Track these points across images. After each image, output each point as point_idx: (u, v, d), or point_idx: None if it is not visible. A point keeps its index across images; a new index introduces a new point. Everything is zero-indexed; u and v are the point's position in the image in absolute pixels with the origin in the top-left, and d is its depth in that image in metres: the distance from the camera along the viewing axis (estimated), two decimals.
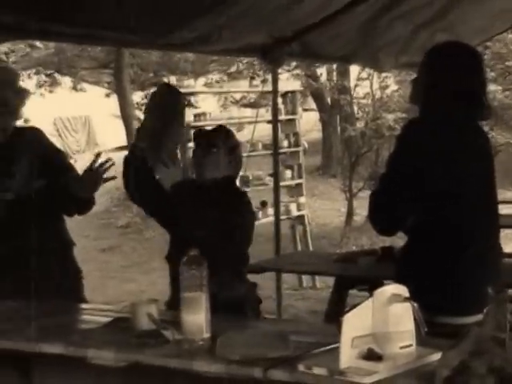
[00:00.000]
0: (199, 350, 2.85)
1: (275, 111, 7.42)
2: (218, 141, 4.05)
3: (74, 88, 22.85)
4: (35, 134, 4.49)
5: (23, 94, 4.42)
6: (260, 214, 9.18)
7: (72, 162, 4.57)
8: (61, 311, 3.59)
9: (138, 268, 11.69)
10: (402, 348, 2.62)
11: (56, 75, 21.61)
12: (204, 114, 8.86)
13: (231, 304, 3.76)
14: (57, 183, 4.27)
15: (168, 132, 4.05)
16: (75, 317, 3.54)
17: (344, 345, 2.51)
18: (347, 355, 2.51)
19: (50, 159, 4.38)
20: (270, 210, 9.02)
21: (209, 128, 4.28)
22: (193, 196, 4.08)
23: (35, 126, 4.73)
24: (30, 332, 3.22)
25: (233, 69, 19.06)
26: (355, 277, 5.82)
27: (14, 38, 11.80)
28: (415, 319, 2.64)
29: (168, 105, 4.06)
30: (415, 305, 2.63)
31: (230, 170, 4.08)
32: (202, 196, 4.04)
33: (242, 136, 13.97)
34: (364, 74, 14.68)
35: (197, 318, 2.88)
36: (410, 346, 2.64)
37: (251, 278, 7.56)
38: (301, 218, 9.73)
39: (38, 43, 19.25)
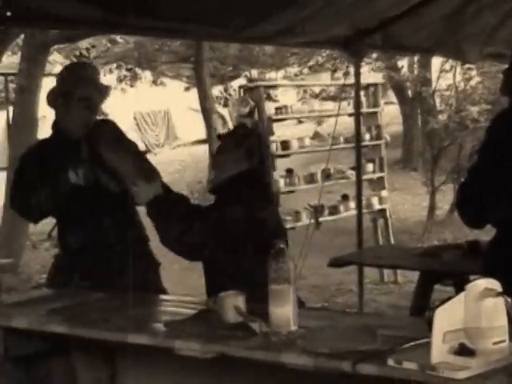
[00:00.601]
0: (286, 342, 2.84)
1: (358, 104, 7.37)
2: (224, 141, 4.06)
3: (154, 82, 23.08)
4: (109, 126, 4.45)
5: (104, 90, 4.47)
6: (341, 207, 9.12)
7: (151, 155, 4.51)
8: (148, 302, 3.63)
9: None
10: (494, 344, 2.56)
11: (136, 70, 21.86)
12: (285, 107, 8.83)
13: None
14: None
15: None
16: (161, 308, 3.56)
17: (435, 339, 2.47)
18: (439, 350, 2.46)
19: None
20: (352, 204, 8.97)
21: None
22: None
23: (109, 118, 4.73)
24: (118, 322, 3.26)
25: (312, 62, 19.00)
26: (440, 271, 5.75)
27: (97, 33, 12.01)
28: (508, 314, 2.58)
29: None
30: (509, 300, 2.57)
31: (246, 165, 3.97)
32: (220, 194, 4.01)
33: (322, 129, 13.95)
34: (447, 66, 14.47)
35: (284, 310, 2.87)
36: (503, 341, 2.58)
37: (334, 271, 7.56)
38: (382, 212, 9.63)
39: (118, 38, 19.48)
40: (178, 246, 3.86)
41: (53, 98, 4.36)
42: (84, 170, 4.23)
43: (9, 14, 4.59)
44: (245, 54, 18.75)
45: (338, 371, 2.63)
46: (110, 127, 4.38)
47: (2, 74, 13.48)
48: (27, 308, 3.61)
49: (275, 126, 8.52)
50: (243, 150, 3.96)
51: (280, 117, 8.70)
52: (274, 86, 10.22)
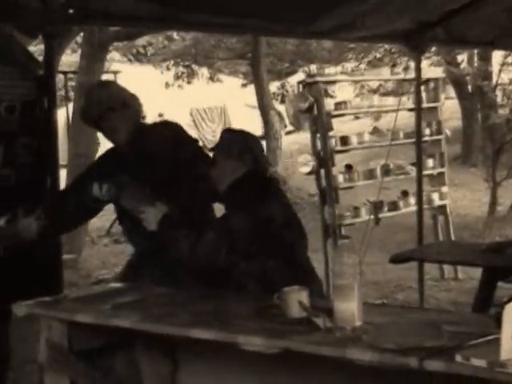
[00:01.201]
0: (351, 337, 2.83)
1: (418, 99, 7.28)
2: (214, 155, 4.09)
3: (211, 79, 23.15)
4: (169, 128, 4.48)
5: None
6: (401, 203, 9.05)
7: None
8: (212, 298, 3.63)
9: None
10: None
11: (193, 66, 21.96)
12: (345, 102, 8.78)
13: None
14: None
15: None
16: (225, 303, 3.55)
17: (505, 336, 2.42)
18: (508, 347, 2.42)
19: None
20: (411, 200, 8.89)
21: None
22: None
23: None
24: (182, 317, 3.27)
25: (370, 57, 18.88)
26: (503, 268, 5.66)
27: (156, 30, 12.11)
28: None
29: None
30: None
31: (242, 167, 4.02)
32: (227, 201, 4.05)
33: (380, 125, 13.84)
34: (509, 59, 14.26)
35: (349, 305, 2.85)
36: None
37: (393, 267, 7.50)
38: (442, 208, 9.53)
39: (175, 35, 19.61)
40: (192, 258, 3.91)
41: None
42: (108, 185, 4.21)
43: (71, 11, 4.64)
44: (302, 49, 18.72)
45: (405, 367, 2.60)
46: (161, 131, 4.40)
47: (62, 73, 13.60)
48: (92, 303, 3.64)
49: (333, 121, 8.47)
50: (235, 158, 4.01)
51: (339, 112, 8.65)
52: (333, 82, 10.16)
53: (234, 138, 4.12)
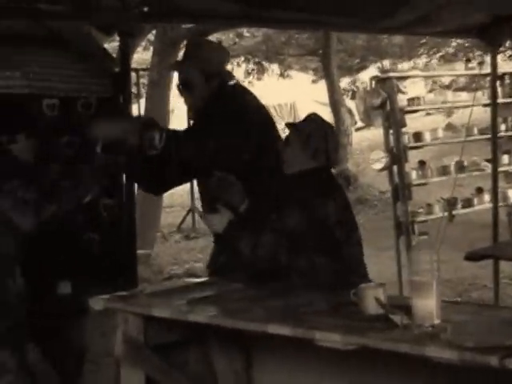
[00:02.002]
0: (429, 335, 2.79)
1: (494, 94, 7.15)
2: (291, 136, 4.04)
3: (282, 75, 23.15)
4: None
5: (208, 60, 4.34)
6: (475, 200, 8.91)
7: None
8: (286, 293, 3.63)
9: None
10: None
11: (264, 63, 21.97)
12: (418, 98, 8.68)
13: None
14: None
15: None
16: (301, 299, 3.54)
17: None
18: None
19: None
20: (486, 197, 8.74)
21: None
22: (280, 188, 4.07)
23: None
24: (258, 313, 3.28)
25: (442, 52, 18.65)
26: None
27: (229, 27, 12.13)
28: None
29: None
30: None
31: (313, 163, 4.01)
32: (285, 189, 4.02)
33: (453, 121, 13.67)
34: None
35: (427, 303, 2.82)
36: None
37: (467, 265, 7.40)
38: None
39: (245, 32, 19.63)
40: (252, 259, 3.93)
41: None
42: None
43: (146, 9, 4.68)
44: (373, 44, 18.56)
45: (484, 366, 2.57)
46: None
47: (134, 70, 13.76)
48: (168, 298, 3.68)
49: (405, 117, 8.38)
50: (309, 153, 4.00)
51: (412, 108, 8.56)
52: (405, 77, 10.05)
53: (315, 131, 4.06)
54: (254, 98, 4.47)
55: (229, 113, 4.18)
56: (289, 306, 3.37)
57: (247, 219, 4.05)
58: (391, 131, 8.05)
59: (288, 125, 4.17)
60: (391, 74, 8.32)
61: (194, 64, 4.29)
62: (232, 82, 4.49)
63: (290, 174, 4.04)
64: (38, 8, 4.32)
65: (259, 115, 4.35)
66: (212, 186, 4.14)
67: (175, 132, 4.27)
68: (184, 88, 4.36)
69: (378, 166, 8.92)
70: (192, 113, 4.51)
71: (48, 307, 4.52)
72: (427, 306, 2.82)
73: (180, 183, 4.73)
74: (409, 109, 8.43)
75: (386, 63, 15.11)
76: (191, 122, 4.60)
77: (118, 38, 4.95)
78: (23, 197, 3.85)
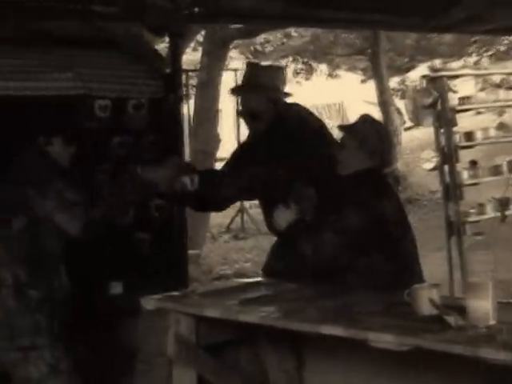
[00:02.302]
0: (484, 336, 2.76)
1: None
2: (346, 138, 4.09)
3: (330, 75, 23.08)
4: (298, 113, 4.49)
5: (271, 84, 4.37)
6: None
7: None
8: (340, 293, 3.61)
9: None
10: None
11: (312, 63, 21.92)
12: (468, 97, 8.59)
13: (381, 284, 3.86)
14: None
15: None
16: (354, 299, 3.53)
17: None
18: None
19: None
20: None
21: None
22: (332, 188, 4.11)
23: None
24: (310, 313, 3.27)
25: (493, 50, 18.44)
26: None
27: (278, 27, 12.12)
28: None
29: None
30: None
31: (369, 163, 4.05)
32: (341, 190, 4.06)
33: (504, 120, 13.50)
34: None
35: (483, 304, 2.78)
36: None
37: None
38: None
39: (293, 32, 19.60)
40: (314, 259, 3.98)
41: None
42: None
43: (196, 10, 4.70)
44: (422, 44, 18.40)
45: None
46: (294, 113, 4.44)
47: (184, 71, 13.82)
48: (219, 298, 3.68)
49: (456, 116, 8.30)
50: (366, 153, 4.04)
51: (463, 107, 8.47)
52: (456, 76, 9.95)
53: (371, 132, 4.10)
54: (315, 118, 4.58)
55: (291, 133, 4.27)
56: (342, 306, 3.36)
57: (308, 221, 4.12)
58: (442, 130, 7.98)
59: (341, 127, 4.21)
60: (442, 73, 8.25)
61: (259, 92, 4.31)
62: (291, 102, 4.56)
63: (346, 175, 4.07)
64: (90, 10, 4.37)
65: (319, 134, 4.41)
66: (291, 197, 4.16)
67: (212, 173, 4.46)
68: (250, 116, 4.38)
69: (429, 165, 8.87)
70: (252, 136, 4.52)
71: (100, 307, 4.57)
72: (482, 307, 2.79)
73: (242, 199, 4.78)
74: (460, 108, 8.35)
75: (437, 62, 14.95)
76: (243, 147, 4.66)
77: (167, 39, 4.97)
78: (69, 199, 3.94)
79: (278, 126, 4.30)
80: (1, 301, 3.97)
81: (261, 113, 4.33)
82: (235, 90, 4.60)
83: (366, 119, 4.19)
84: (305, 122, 4.41)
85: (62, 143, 4.08)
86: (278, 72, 4.55)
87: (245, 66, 4.60)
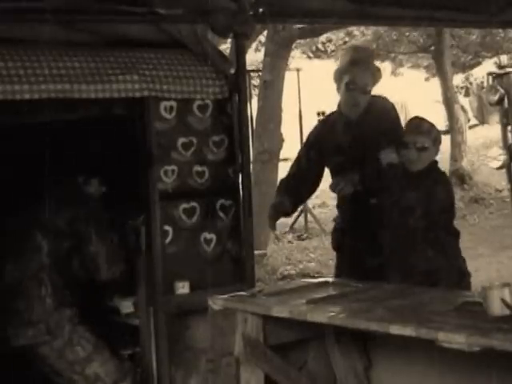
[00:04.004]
0: None
1: None
2: (424, 139, 4.41)
3: (393, 73, 22.91)
4: (384, 108, 4.83)
5: (375, 72, 4.82)
6: None
7: None
8: (405, 292, 3.59)
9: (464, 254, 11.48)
10: None
11: (374, 61, 21.78)
12: None
13: (433, 275, 4.23)
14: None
15: None
16: (420, 298, 3.50)
17: None
18: None
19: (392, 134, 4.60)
20: None
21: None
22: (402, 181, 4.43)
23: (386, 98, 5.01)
24: (378, 313, 3.25)
25: None
26: None
27: (344, 25, 12.07)
28: None
29: None
30: None
31: (432, 156, 4.48)
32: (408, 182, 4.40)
33: None
34: None
35: None
36: None
37: None
38: None
39: (355, 31, 19.52)
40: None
41: (334, 78, 4.82)
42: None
43: (261, 10, 4.70)
44: (487, 40, 18.15)
45: None
46: (380, 105, 4.80)
47: (247, 71, 13.88)
48: (286, 297, 3.68)
49: None
50: (436, 145, 4.46)
51: None
52: None
53: (433, 127, 4.53)
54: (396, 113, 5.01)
55: (383, 125, 4.69)
56: (410, 305, 3.34)
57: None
58: (509, 128, 7.88)
59: (415, 128, 4.51)
60: (509, 70, 8.13)
61: (369, 70, 4.79)
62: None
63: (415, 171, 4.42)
64: (155, 12, 4.39)
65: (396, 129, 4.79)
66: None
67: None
68: (363, 92, 4.72)
69: (496, 163, 8.74)
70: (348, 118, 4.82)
71: (167, 307, 4.60)
72: None
73: None
74: None
75: (503, 58, 14.72)
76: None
77: (228, 40, 4.99)
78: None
79: (372, 117, 4.70)
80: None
81: (368, 88, 4.73)
82: (353, 64, 4.75)
83: (421, 119, 4.60)
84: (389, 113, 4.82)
85: (97, 184, 4.78)
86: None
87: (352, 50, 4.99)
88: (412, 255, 4.31)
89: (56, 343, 4.54)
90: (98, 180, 4.77)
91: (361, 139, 4.67)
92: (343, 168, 4.69)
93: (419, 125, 4.50)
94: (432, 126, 4.52)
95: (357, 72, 4.68)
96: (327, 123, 4.93)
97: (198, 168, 4.76)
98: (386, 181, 4.42)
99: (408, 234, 4.30)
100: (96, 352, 4.60)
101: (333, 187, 4.67)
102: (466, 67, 20.93)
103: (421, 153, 4.39)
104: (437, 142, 4.47)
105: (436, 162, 4.52)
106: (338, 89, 4.79)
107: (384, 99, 4.94)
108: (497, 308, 2.96)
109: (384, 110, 4.78)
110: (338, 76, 4.76)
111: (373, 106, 4.72)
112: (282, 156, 11.35)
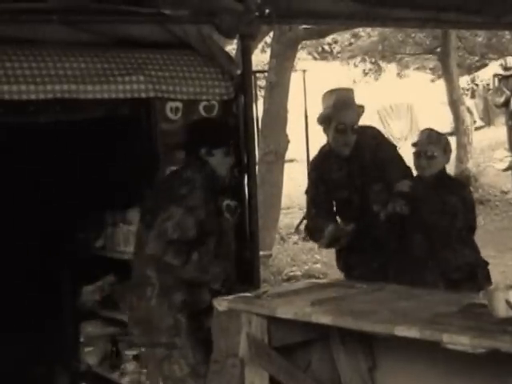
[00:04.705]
0: None
1: None
2: (434, 148, 4.73)
3: (399, 75, 22.90)
4: (374, 138, 4.98)
5: (359, 111, 4.85)
6: None
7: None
8: (410, 294, 3.59)
9: None
10: None
11: (380, 63, 21.77)
12: None
13: (465, 269, 4.61)
14: None
15: None
16: (425, 300, 3.50)
17: None
18: None
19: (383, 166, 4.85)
20: None
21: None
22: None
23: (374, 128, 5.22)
24: (383, 315, 3.25)
25: None
26: None
27: (350, 27, 12.05)
28: None
29: None
30: None
31: (444, 162, 4.80)
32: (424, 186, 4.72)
33: None
34: None
35: None
36: None
37: None
38: None
39: (361, 32, 19.51)
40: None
41: (320, 121, 4.85)
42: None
43: (267, 11, 4.70)
44: (493, 42, 18.13)
45: None
46: (369, 136, 4.93)
47: (253, 72, 13.87)
48: (291, 299, 3.68)
49: None
50: (447, 153, 4.80)
51: None
52: None
53: (442, 137, 4.86)
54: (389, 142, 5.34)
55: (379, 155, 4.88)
56: (415, 307, 3.34)
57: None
58: None
59: (426, 139, 4.79)
60: None
61: (354, 109, 4.81)
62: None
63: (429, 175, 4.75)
64: (161, 13, 4.40)
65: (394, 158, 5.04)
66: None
67: None
68: (352, 130, 4.78)
69: (501, 165, 8.74)
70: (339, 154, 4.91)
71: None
72: None
73: None
74: None
75: (509, 60, 14.71)
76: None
77: (235, 41, 4.99)
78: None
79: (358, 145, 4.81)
80: (145, 299, 4.23)
81: (354, 127, 4.79)
82: (339, 107, 4.81)
83: (435, 130, 4.89)
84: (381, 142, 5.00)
85: (222, 155, 4.38)
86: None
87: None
88: (451, 254, 4.64)
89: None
90: (224, 150, 4.41)
91: (357, 174, 4.83)
92: (348, 202, 4.86)
93: (429, 135, 4.82)
94: (441, 135, 4.87)
95: (344, 114, 4.75)
96: (322, 159, 4.99)
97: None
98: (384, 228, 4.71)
99: (444, 235, 4.64)
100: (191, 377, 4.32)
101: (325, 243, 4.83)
102: (471, 69, 20.91)
103: (430, 161, 4.72)
104: (447, 150, 4.81)
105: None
106: (325, 130, 4.83)
107: (370, 128, 5.15)
108: (502, 310, 2.95)
109: (374, 139, 4.94)
110: (325, 119, 4.81)
111: (362, 139, 4.83)
112: (287, 157, 11.34)
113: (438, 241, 4.64)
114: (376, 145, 4.90)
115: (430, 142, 4.75)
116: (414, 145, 4.81)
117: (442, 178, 4.79)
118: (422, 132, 4.93)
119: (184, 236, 4.09)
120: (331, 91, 4.87)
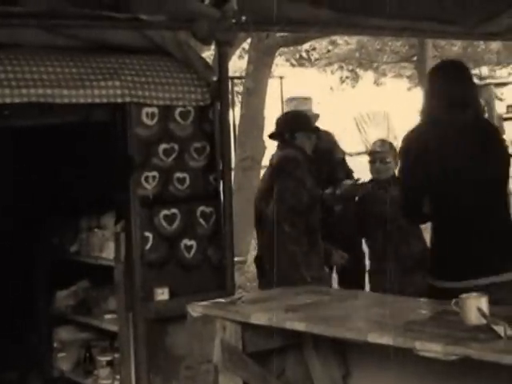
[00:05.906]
0: None
1: None
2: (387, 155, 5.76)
3: (375, 82, 22.98)
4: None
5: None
6: None
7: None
8: (384, 302, 3.60)
9: None
10: None
11: (357, 70, 21.83)
12: None
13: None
14: None
15: None
16: (398, 308, 3.51)
17: None
18: None
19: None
20: None
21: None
22: None
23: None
24: (356, 322, 3.26)
25: None
26: None
27: (326, 34, 12.09)
28: None
29: None
30: None
31: (394, 167, 5.65)
32: None
33: None
34: None
35: None
36: None
37: None
38: None
39: (338, 40, 19.56)
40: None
41: None
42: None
43: (244, 18, 4.70)
44: (469, 51, 18.23)
45: None
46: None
47: (230, 78, 13.86)
48: (265, 305, 3.68)
49: (505, 124, 8.25)
50: (396, 160, 5.55)
51: (510, 115, 8.41)
52: (503, 84, 9.89)
53: (392, 144, 5.91)
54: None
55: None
56: (388, 314, 3.34)
57: None
58: None
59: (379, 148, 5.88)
60: (489, 81, 8.20)
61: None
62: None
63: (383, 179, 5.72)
64: (138, 18, 4.39)
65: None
66: None
67: None
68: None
69: None
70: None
71: (146, 313, 4.59)
72: None
73: None
74: (507, 116, 8.29)
75: (484, 70, 14.80)
76: None
77: (212, 47, 4.98)
78: None
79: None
80: None
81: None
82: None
83: (387, 140, 6.11)
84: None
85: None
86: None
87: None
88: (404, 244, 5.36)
89: None
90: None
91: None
92: None
93: (383, 144, 5.88)
94: (392, 144, 5.92)
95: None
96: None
97: (178, 174, 4.76)
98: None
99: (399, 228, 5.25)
100: None
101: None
102: None
103: (385, 165, 5.72)
104: (396, 157, 5.51)
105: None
106: None
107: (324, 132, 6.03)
108: (473, 317, 2.97)
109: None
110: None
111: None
112: (264, 163, 11.35)
113: (394, 233, 5.23)
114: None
115: (384, 151, 5.73)
116: (370, 153, 5.77)
117: (394, 179, 5.52)
118: (376, 142, 5.92)
119: None
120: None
